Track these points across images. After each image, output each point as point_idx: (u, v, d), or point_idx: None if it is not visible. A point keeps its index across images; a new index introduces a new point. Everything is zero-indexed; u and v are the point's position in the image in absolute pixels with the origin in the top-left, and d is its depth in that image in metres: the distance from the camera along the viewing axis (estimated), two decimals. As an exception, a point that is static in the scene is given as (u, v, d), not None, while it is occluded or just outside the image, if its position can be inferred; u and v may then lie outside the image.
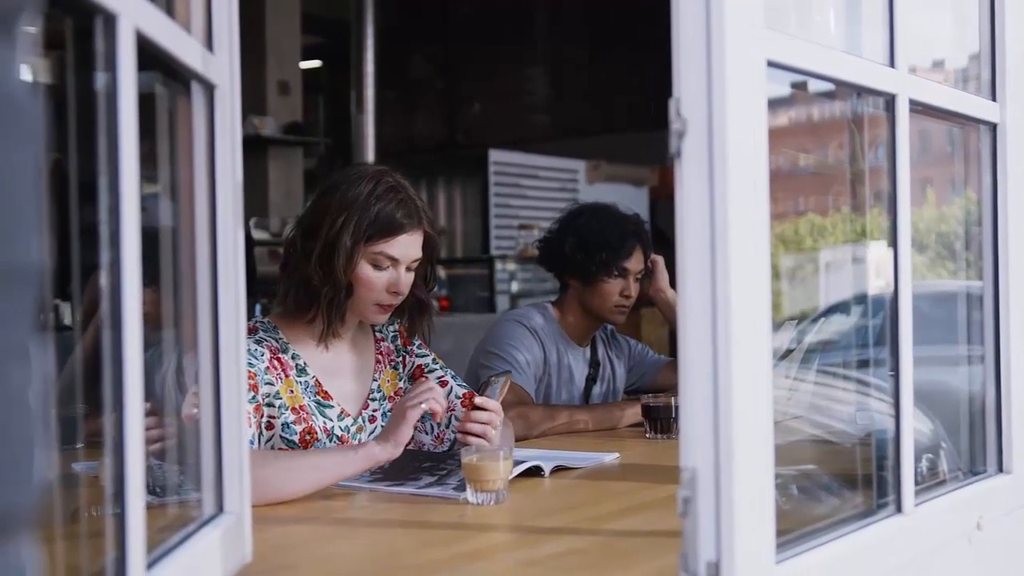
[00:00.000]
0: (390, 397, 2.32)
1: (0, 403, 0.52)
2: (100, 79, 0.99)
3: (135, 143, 1.01)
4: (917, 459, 1.56)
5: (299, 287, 2.17)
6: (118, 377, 0.99)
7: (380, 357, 2.35)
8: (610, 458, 2.30)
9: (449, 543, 1.63)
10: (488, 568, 1.51)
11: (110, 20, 0.97)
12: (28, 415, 0.54)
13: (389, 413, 2.28)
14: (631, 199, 6.85)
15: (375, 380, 2.31)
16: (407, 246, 2.17)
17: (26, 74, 0.58)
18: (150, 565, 1.07)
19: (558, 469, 2.14)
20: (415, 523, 1.74)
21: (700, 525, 1.15)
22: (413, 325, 2.32)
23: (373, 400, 2.30)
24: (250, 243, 3.77)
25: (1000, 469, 1.76)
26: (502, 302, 7.26)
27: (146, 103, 1.07)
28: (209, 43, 1.33)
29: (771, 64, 1.23)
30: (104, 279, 0.99)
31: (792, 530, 1.30)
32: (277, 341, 2.18)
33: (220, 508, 1.35)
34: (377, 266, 2.16)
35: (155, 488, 1.35)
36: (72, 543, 1.14)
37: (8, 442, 0.53)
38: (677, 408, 2.59)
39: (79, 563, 1.13)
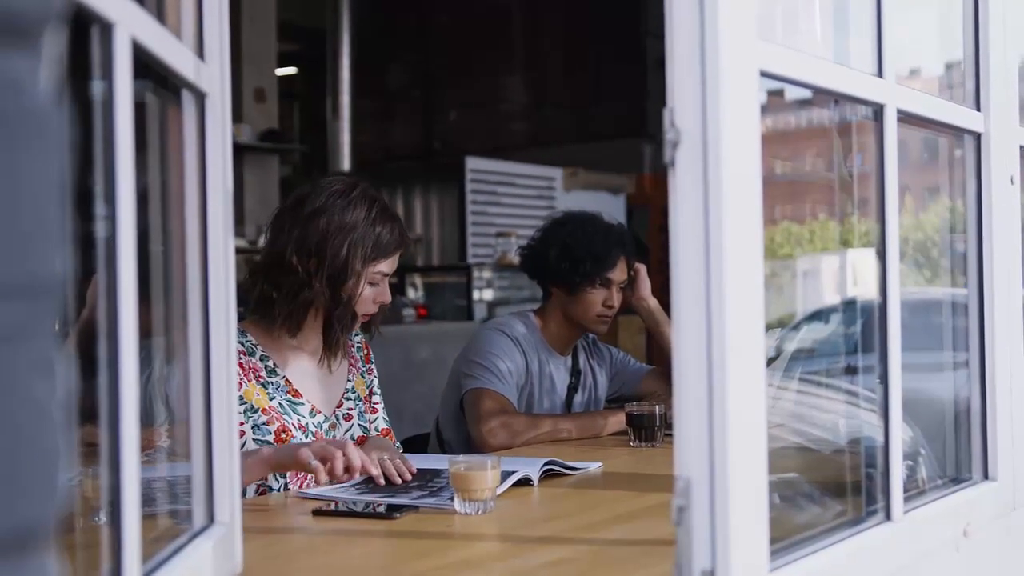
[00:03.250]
0: (364, 398, 2.41)
1: (27, 416, 0.52)
2: (96, 87, 0.99)
3: (131, 151, 1.00)
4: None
5: (303, 309, 2.23)
6: (114, 388, 0.98)
7: (352, 360, 2.42)
8: (594, 467, 2.30)
9: (438, 553, 1.62)
10: (479, 578, 1.50)
11: (107, 29, 0.97)
12: (53, 428, 0.54)
13: (364, 414, 2.39)
14: (608, 206, 6.86)
15: (349, 380, 2.39)
16: (396, 261, 2.30)
17: (50, 86, 0.58)
18: (144, 577, 1.06)
19: (547, 473, 2.15)
20: (404, 533, 1.74)
21: (695, 533, 1.15)
22: (370, 321, 2.36)
23: (348, 399, 2.37)
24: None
25: (985, 476, 1.77)
26: (479, 310, 7.25)
27: (136, 111, 1.06)
28: (200, 52, 1.32)
29: (764, 74, 1.23)
30: (100, 288, 0.99)
31: (784, 538, 1.30)
32: (243, 344, 2.20)
33: (211, 519, 1.34)
34: (372, 283, 2.26)
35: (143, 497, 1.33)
36: (63, 554, 1.13)
37: (34, 457, 0.52)
38: (661, 416, 2.61)
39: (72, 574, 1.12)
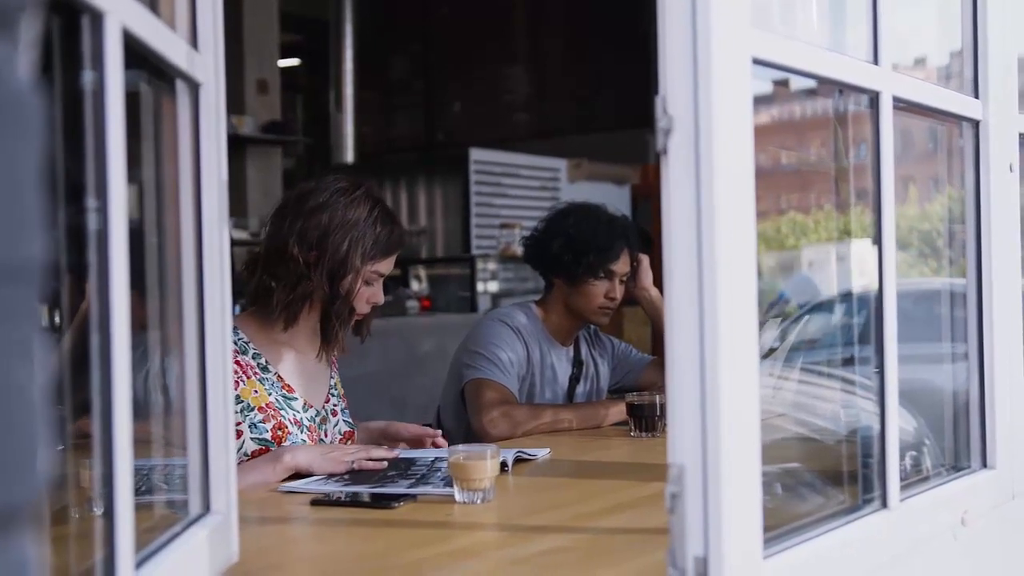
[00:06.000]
0: (342, 395, 2.45)
1: (5, 399, 0.52)
2: (86, 77, 0.99)
3: (122, 142, 1.00)
4: (901, 456, 1.57)
5: (300, 301, 2.24)
6: (106, 379, 0.98)
7: (334, 359, 2.45)
8: (543, 453, 2.33)
9: (436, 542, 1.63)
10: (476, 566, 1.51)
11: (97, 18, 0.97)
12: (33, 412, 0.54)
13: (346, 410, 2.43)
14: (613, 198, 6.85)
15: (332, 378, 2.42)
16: (392, 263, 2.33)
17: (28, 72, 0.58)
18: (138, 565, 1.07)
19: (518, 461, 2.20)
20: (402, 522, 1.74)
21: (688, 521, 1.15)
22: (362, 321, 2.38)
23: (333, 395, 2.41)
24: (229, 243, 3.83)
25: (984, 465, 1.77)
26: (483, 302, 7.25)
27: (129, 102, 1.06)
28: (194, 41, 1.32)
29: (756, 61, 1.23)
30: (91, 280, 0.99)
31: (779, 526, 1.30)
32: (236, 343, 2.21)
33: (207, 508, 1.34)
34: (368, 282, 2.28)
35: (139, 487, 1.34)
36: (57, 544, 1.13)
37: (14, 439, 0.53)
38: (662, 406, 2.61)
39: (66, 563, 1.12)
